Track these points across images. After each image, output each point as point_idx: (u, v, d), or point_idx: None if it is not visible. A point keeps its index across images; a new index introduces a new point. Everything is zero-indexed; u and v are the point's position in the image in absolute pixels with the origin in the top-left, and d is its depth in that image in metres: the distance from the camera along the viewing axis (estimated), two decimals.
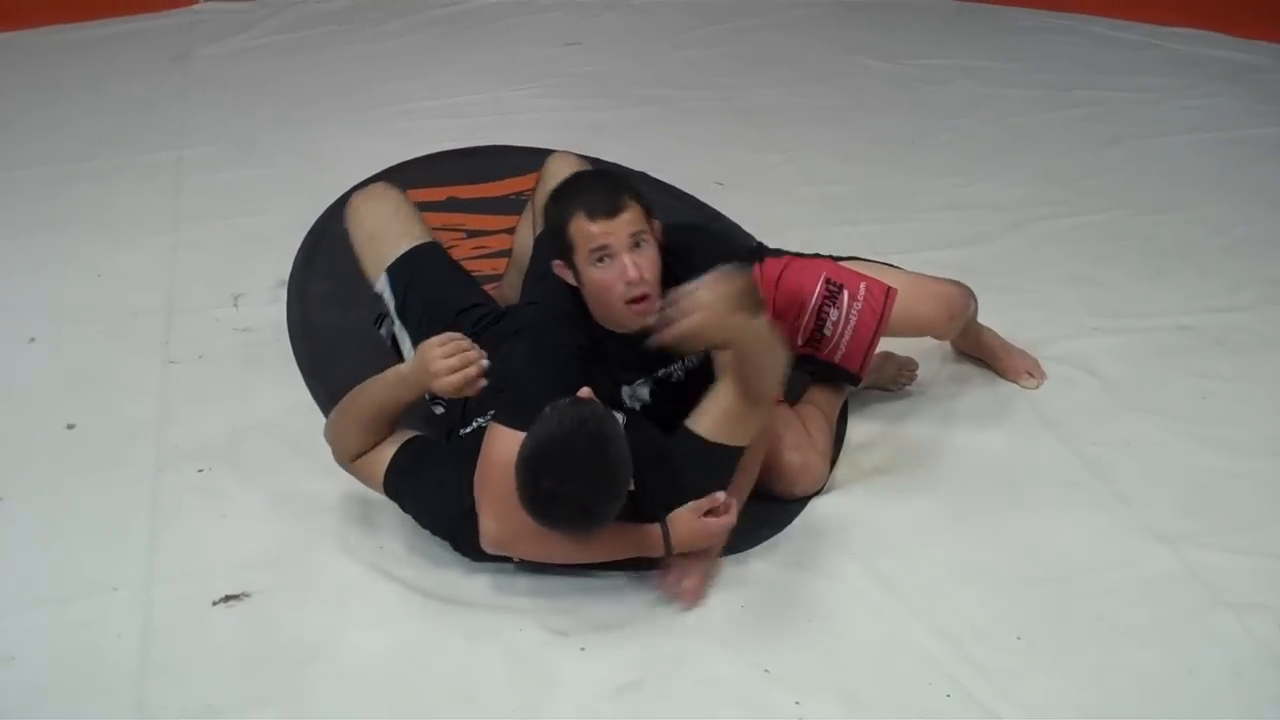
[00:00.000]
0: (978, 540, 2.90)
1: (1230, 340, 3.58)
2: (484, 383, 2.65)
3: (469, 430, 2.81)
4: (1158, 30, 5.60)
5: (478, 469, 2.65)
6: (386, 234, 3.16)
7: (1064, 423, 3.26)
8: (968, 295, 3.20)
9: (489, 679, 2.55)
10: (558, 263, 2.69)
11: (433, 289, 3.08)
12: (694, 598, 2.69)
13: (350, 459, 2.81)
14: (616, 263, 2.61)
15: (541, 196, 3.27)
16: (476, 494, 2.65)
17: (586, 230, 2.61)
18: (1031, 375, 3.39)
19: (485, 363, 2.64)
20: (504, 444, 2.59)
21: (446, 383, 2.62)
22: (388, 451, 2.78)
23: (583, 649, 2.61)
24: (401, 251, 3.13)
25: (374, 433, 2.78)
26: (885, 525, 2.94)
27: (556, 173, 3.25)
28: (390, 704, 2.50)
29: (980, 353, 3.42)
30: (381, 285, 3.13)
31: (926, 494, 3.04)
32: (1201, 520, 2.95)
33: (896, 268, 3.20)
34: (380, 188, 3.31)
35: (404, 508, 2.80)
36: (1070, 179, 4.46)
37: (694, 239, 2.81)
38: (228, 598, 2.72)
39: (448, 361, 2.62)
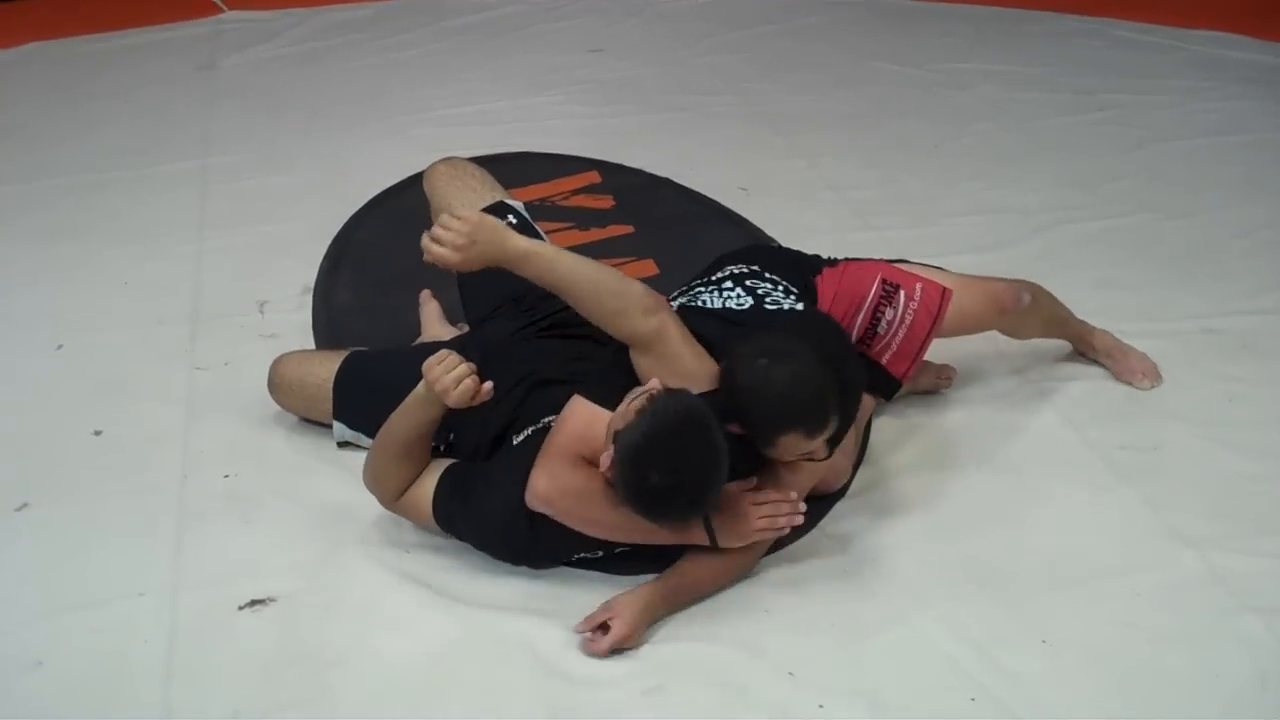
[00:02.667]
0: (1003, 543, 2.90)
1: (1256, 343, 3.57)
2: (489, 386, 2.68)
3: (522, 438, 2.83)
4: (1180, 33, 5.58)
5: (550, 434, 2.67)
6: (317, 399, 3.16)
7: (1090, 426, 3.25)
8: (1018, 290, 3.20)
9: (514, 683, 2.56)
10: (734, 428, 2.62)
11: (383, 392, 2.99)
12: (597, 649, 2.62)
13: (395, 497, 2.83)
14: None
15: (436, 212, 3.28)
16: (541, 453, 2.65)
17: (800, 445, 2.63)
18: (1145, 376, 3.39)
19: (483, 381, 2.67)
20: (580, 412, 2.65)
21: (456, 395, 2.64)
22: (429, 482, 2.79)
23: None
24: (330, 396, 3.13)
25: (411, 461, 2.80)
26: (909, 528, 2.94)
27: (438, 185, 3.32)
28: (416, 708, 2.51)
29: (1094, 354, 3.45)
30: (339, 431, 3.14)
31: (951, 497, 3.04)
32: (1228, 524, 2.94)
33: (944, 270, 3.19)
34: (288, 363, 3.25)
35: (460, 535, 2.80)
36: (1094, 183, 4.45)
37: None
38: (254, 603, 2.74)
39: (452, 374, 2.65)
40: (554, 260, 2.68)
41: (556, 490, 2.62)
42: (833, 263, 3.14)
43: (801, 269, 3.09)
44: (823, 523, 2.94)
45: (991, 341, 3.43)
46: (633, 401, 2.54)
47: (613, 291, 2.66)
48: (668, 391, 2.54)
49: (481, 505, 2.76)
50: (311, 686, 2.55)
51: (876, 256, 3.20)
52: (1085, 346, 3.45)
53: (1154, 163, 4.59)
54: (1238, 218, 4.22)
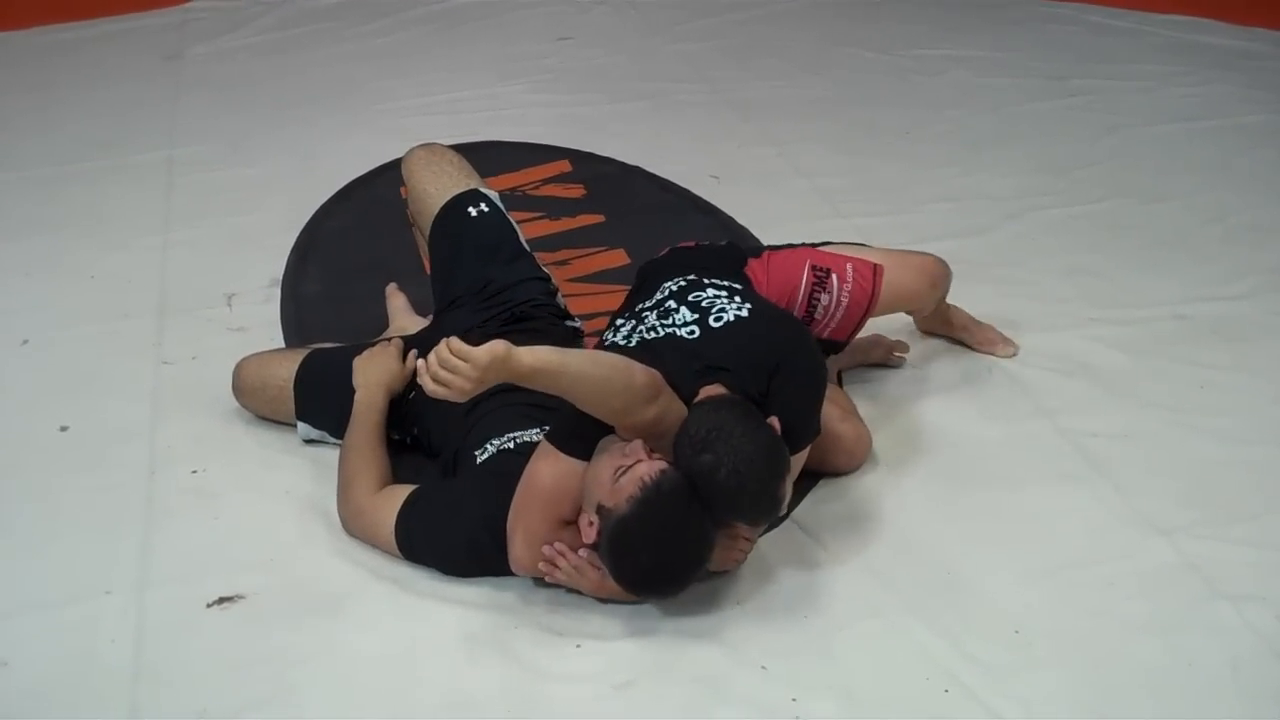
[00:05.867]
0: (974, 534, 2.88)
1: (1228, 329, 3.57)
2: (412, 359, 3.01)
3: (486, 457, 2.80)
4: (1153, 18, 5.57)
5: (520, 489, 2.62)
6: (280, 401, 3.15)
7: (1061, 413, 3.24)
8: (943, 263, 3.21)
9: (484, 679, 2.53)
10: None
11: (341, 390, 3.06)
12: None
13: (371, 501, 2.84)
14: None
15: (416, 203, 3.31)
16: (512, 516, 2.63)
17: (738, 530, 2.65)
18: (1006, 344, 3.39)
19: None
20: (549, 469, 2.60)
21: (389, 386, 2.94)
22: (389, 515, 2.76)
23: (578, 647, 2.60)
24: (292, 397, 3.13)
25: (381, 458, 2.88)
26: (881, 519, 2.92)
27: (416, 171, 3.29)
28: (385, 705, 2.49)
29: (952, 331, 3.43)
30: (304, 430, 3.13)
31: (922, 487, 3.02)
32: (1199, 511, 2.93)
33: (866, 245, 3.20)
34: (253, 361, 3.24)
35: (427, 562, 2.76)
36: (1066, 168, 4.44)
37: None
38: (221, 600, 2.71)
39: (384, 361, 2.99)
40: (558, 374, 2.50)
41: (539, 559, 2.62)
42: (756, 253, 3.13)
43: (733, 262, 3.07)
44: (795, 514, 2.93)
45: None
46: (620, 477, 2.48)
47: (616, 392, 2.55)
48: (659, 474, 2.47)
49: (446, 536, 2.73)
50: (279, 684, 2.53)
51: (808, 242, 3.19)
52: (943, 324, 3.43)
53: (1126, 148, 4.58)
54: (1210, 203, 4.21)
